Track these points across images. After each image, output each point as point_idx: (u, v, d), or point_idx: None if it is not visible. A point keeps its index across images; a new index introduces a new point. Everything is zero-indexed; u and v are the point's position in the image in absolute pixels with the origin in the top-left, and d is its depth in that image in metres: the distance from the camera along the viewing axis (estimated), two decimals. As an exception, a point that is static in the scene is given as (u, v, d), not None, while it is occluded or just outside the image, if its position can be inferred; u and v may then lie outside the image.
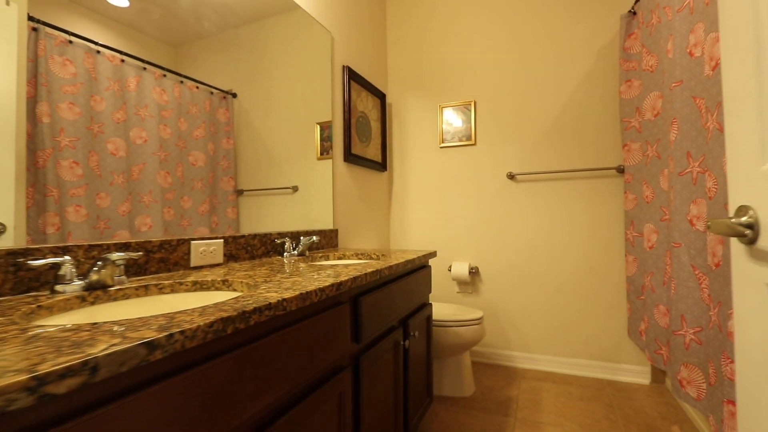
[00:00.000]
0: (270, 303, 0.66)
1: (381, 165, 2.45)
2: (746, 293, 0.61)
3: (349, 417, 0.96)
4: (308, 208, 1.73)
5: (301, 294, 0.74)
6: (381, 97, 2.47)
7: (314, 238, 1.52)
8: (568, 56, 2.20)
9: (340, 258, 1.58)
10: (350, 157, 2.07)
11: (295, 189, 1.65)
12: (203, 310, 0.60)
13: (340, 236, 2.00)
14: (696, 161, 1.30)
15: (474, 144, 2.41)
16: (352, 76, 2.10)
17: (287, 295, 0.72)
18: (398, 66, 2.64)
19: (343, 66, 2.06)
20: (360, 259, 1.56)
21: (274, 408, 0.72)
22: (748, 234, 0.56)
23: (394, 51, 2.66)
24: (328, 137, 1.93)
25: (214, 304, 0.64)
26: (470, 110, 2.42)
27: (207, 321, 0.54)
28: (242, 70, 1.38)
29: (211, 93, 1.25)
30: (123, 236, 0.97)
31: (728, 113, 0.64)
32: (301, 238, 1.53)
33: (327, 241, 1.84)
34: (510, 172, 2.30)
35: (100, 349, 0.42)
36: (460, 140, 2.45)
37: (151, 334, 0.48)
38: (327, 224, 1.88)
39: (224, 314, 0.58)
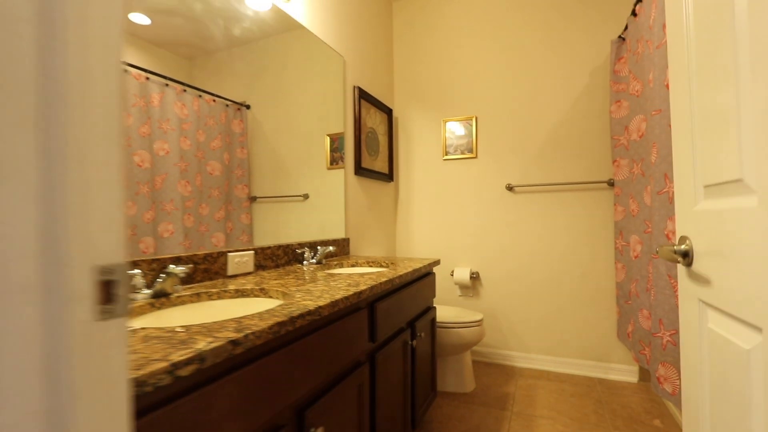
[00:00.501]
0: (310, 310, 0.83)
1: (388, 176, 2.62)
2: (686, 305, 0.77)
3: (366, 405, 1.13)
4: (319, 216, 1.86)
5: (332, 302, 0.91)
6: (388, 112, 2.64)
7: (330, 248, 1.69)
8: (564, 76, 2.36)
9: (352, 265, 1.75)
10: (360, 170, 2.24)
11: (305, 197, 1.78)
12: (260, 315, 0.77)
13: (351, 244, 2.17)
14: (672, 182, 1.46)
15: (475, 157, 2.57)
16: (362, 95, 2.27)
17: (321, 302, 0.89)
18: (404, 82, 2.81)
19: (354, 86, 2.23)
20: (371, 266, 1.73)
21: (312, 394, 0.89)
22: (682, 260, 0.72)
23: (401, 68, 2.82)
24: (338, 148, 2.09)
25: (267, 310, 0.81)
26: (472, 125, 2.58)
27: (268, 324, 0.71)
28: (256, 82, 1.47)
29: (227, 105, 1.34)
30: (148, 242, 1.06)
31: (675, 163, 0.80)
32: (318, 247, 1.69)
33: (340, 249, 2.00)
34: (509, 184, 2.47)
35: (203, 344, 0.59)
36: (463, 153, 2.61)
37: (232, 335, 0.64)
38: (339, 233, 2.05)
39: (278, 319, 0.75)
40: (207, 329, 0.68)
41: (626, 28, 2.01)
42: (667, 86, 1.47)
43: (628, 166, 2.02)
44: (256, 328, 0.68)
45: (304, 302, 0.89)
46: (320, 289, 1.05)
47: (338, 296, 0.96)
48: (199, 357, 0.56)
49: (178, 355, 0.55)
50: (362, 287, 1.08)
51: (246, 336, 0.65)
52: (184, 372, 0.54)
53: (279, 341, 0.78)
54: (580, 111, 2.32)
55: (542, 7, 2.41)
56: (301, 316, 0.80)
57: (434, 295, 1.85)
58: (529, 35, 2.45)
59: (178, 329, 0.68)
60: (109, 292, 0.39)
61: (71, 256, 0.35)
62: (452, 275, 2.60)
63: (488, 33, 2.56)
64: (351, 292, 1.01)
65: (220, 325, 0.70)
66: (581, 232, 2.32)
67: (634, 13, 1.86)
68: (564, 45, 2.36)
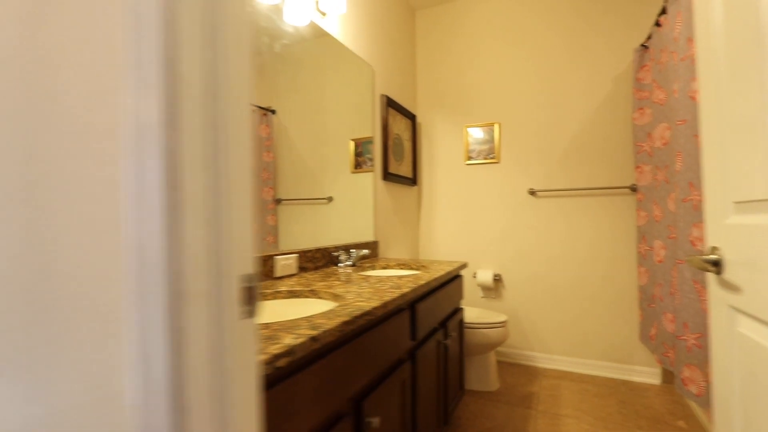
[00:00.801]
0: (367, 310, 0.92)
1: (412, 180, 2.70)
2: (717, 311, 0.84)
3: (409, 400, 1.21)
4: (343, 218, 1.91)
5: (383, 303, 1.00)
6: (412, 118, 2.72)
7: (364, 251, 1.78)
8: (587, 83, 2.41)
9: (384, 268, 1.83)
10: (388, 175, 2.33)
11: (329, 199, 1.84)
12: (325, 315, 0.86)
13: (379, 247, 2.26)
14: (697, 190, 1.51)
15: (498, 162, 2.64)
16: (389, 103, 2.35)
17: (374, 303, 0.98)
18: (427, 88, 2.89)
19: (382, 95, 2.32)
20: (402, 269, 1.81)
21: (367, 386, 0.98)
22: (713, 269, 0.78)
23: (423, 74, 2.90)
24: (362, 152, 2.17)
25: (329, 310, 0.90)
26: (494, 131, 2.65)
27: (336, 323, 0.80)
28: (281, 88, 1.51)
29: (253, 111, 1.42)
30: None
31: (705, 178, 0.87)
32: (352, 250, 1.78)
33: (370, 251, 2.09)
34: (531, 189, 2.53)
35: (289, 340, 0.69)
36: (485, 158, 2.68)
37: (310, 332, 0.74)
38: (367, 236, 2.13)
39: (342, 318, 0.84)
40: (285, 327, 0.77)
41: (650, 37, 2.05)
42: (692, 98, 1.52)
43: (652, 172, 2.06)
44: (327, 327, 0.77)
45: (357, 303, 0.98)
46: (368, 291, 1.14)
47: (387, 297, 1.04)
48: (290, 351, 0.66)
49: (274, 349, 0.64)
50: (405, 289, 1.16)
51: (322, 333, 0.74)
52: (281, 363, 0.64)
53: (342, 338, 0.87)
54: (602, 117, 2.37)
55: (565, 14, 2.46)
56: (361, 315, 0.89)
57: (462, 297, 1.92)
58: (552, 42, 2.50)
59: (261, 327, 0.77)
60: (248, 296, 0.48)
61: (229, 268, 0.45)
62: (475, 277, 2.67)
63: (510, 40, 2.62)
64: (397, 294, 1.09)
65: (294, 324, 0.80)
66: (603, 236, 2.36)
67: (657, 24, 1.90)
68: (587, 52, 2.41)
